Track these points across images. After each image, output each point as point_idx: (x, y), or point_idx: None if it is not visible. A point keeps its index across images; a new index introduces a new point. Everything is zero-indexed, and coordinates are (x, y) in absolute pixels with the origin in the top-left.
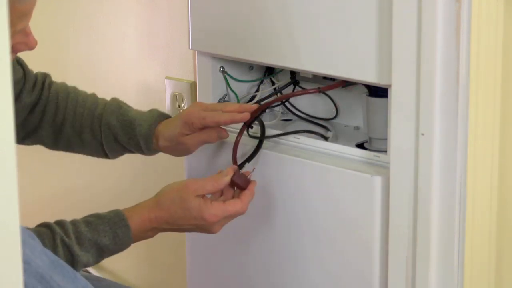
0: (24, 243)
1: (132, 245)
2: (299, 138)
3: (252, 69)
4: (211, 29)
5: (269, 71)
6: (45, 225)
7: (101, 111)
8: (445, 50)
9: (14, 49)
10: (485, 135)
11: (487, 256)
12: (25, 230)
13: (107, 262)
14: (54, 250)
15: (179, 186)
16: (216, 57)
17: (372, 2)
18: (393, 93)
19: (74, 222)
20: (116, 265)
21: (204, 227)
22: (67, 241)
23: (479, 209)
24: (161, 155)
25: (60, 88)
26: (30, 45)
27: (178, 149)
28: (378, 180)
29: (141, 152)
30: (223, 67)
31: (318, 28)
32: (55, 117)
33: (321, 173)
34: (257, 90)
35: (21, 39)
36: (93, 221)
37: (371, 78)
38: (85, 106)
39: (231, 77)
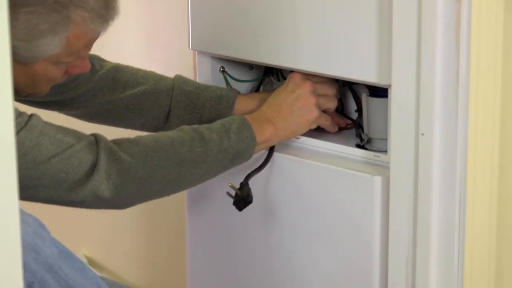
0: (35, 233)
1: (132, 245)
2: (299, 138)
3: (252, 69)
4: (211, 29)
5: (269, 71)
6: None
7: (171, 81)
8: (445, 50)
9: (69, 71)
10: (485, 135)
11: (487, 256)
12: (36, 220)
13: (107, 262)
14: (182, 135)
15: (286, 82)
16: (216, 57)
17: (372, 2)
18: (393, 93)
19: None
20: (116, 265)
21: (301, 96)
22: (194, 126)
23: (479, 209)
24: None
25: (117, 65)
26: (84, 69)
27: None
28: (378, 180)
29: (209, 121)
30: (223, 67)
31: (318, 28)
32: (113, 91)
33: (321, 173)
34: (257, 90)
35: (78, 63)
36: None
37: (371, 78)
38: (149, 77)
39: (231, 77)
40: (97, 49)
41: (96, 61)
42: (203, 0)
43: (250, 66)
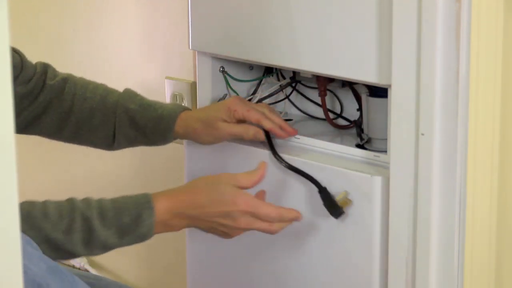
0: (22, 251)
1: (132, 245)
2: (299, 138)
3: (252, 69)
4: (211, 29)
5: (269, 71)
6: (67, 200)
7: (116, 97)
8: (445, 50)
9: None
10: (485, 135)
11: (487, 256)
12: (23, 236)
13: (107, 262)
14: (71, 224)
15: (213, 176)
16: (216, 57)
17: (372, 2)
18: (393, 93)
19: (100, 199)
20: (116, 265)
21: (232, 215)
22: (87, 215)
23: (479, 209)
24: (161, 154)
25: (68, 76)
26: None
27: (207, 134)
28: (378, 180)
29: (152, 139)
30: (223, 67)
31: (318, 28)
32: (62, 103)
33: (321, 173)
34: (255, 92)
35: None
36: (120, 199)
37: (371, 78)
38: (96, 92)
39: (231, 77)
40: (97, 49)
41: (51, 70)
42: (203, 0)
43: (250, 66)
